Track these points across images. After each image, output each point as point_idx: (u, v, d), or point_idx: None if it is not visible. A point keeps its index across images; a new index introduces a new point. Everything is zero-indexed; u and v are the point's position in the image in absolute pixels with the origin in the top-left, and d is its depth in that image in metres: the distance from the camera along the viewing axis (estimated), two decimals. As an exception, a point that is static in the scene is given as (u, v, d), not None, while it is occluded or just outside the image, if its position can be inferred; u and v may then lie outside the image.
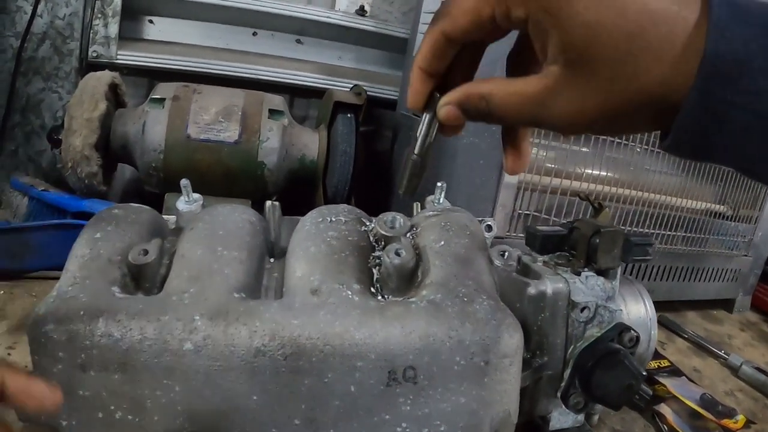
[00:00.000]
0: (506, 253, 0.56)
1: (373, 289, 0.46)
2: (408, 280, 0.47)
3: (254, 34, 1.38)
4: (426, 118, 0.39)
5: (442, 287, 0.46)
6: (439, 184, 0.63)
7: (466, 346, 0.43)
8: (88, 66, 1.19)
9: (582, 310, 0.53)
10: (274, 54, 1.38)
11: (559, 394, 0.53)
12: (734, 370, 0.99)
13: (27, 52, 1.20)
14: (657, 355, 0.97)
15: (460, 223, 0.53)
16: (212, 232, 0.49)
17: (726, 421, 0.79)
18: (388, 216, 0.53)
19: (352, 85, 1.27)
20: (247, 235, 0.50)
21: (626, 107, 0.32)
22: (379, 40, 1.40)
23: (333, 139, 1.10)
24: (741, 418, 0.81)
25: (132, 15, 1.29)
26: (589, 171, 0.99)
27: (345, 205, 0.55)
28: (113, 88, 1.04)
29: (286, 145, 1.04)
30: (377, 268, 0.48)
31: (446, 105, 0.38)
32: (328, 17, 1.32)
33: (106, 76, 1.02)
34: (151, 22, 1.34)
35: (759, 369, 0.96)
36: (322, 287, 0.44)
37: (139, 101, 1.08)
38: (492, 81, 0.37)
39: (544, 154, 0.95)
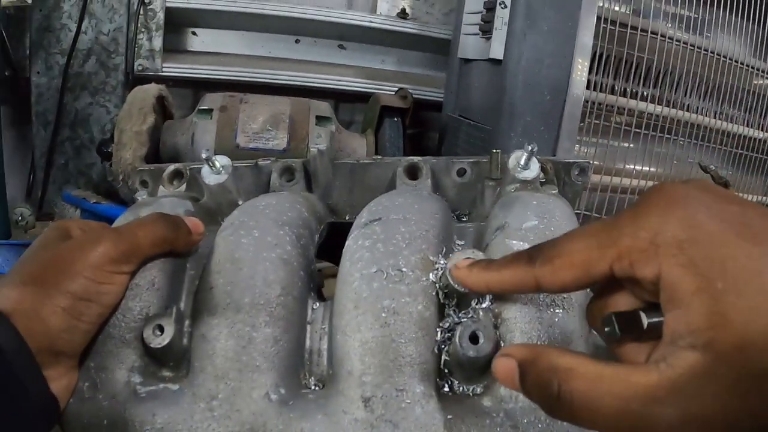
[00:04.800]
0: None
1: (439, 380, 0.39)
2: (483, 369, 0.38)
3: (297, 41, 1.38)
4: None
5: None
6: (529, 146, 0.48)
7: None
8: (134, 79, 1.20)
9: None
10: (318, 60, 1.38)
11: None
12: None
13: (74, 68, 1.22)
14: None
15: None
16: (237, 303, 0.40)
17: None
18: (462, 260, 0.38)
19: (396, 89, 1.25)
20: (278, 303, 0.41)
21: None
22: (421, 42, 1.39)
23: (381, 143, 1.09)
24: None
25: (175, 28, 1.30)
26: (632, 167, 0.96)
27: (409, 227, 0.42)
28: (160, 100, 1.05)
29: (334, 151, 1.03)
30: (446, 348, 0.39)
31: (505, 356, 0.29)
32: (369, 21, 1.31)
33: (153, 89, 1.03)
34: (194, 33, 1.35)
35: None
36: (377, 394, 0.38)
37: (184, 112, 1.08)
38: (573, 354, 0.28)
39: (585, 150, 0.92)
